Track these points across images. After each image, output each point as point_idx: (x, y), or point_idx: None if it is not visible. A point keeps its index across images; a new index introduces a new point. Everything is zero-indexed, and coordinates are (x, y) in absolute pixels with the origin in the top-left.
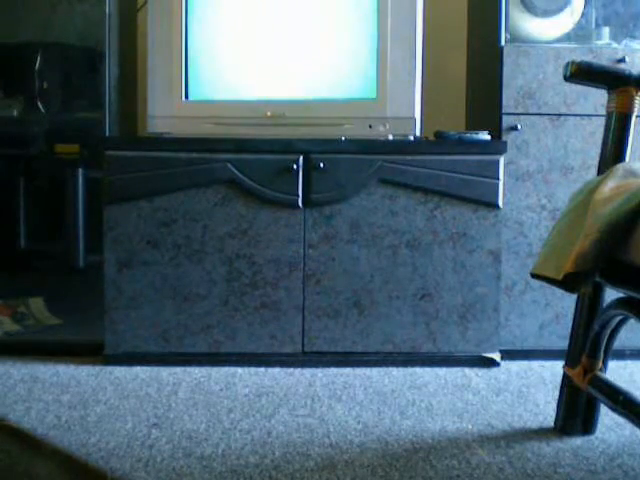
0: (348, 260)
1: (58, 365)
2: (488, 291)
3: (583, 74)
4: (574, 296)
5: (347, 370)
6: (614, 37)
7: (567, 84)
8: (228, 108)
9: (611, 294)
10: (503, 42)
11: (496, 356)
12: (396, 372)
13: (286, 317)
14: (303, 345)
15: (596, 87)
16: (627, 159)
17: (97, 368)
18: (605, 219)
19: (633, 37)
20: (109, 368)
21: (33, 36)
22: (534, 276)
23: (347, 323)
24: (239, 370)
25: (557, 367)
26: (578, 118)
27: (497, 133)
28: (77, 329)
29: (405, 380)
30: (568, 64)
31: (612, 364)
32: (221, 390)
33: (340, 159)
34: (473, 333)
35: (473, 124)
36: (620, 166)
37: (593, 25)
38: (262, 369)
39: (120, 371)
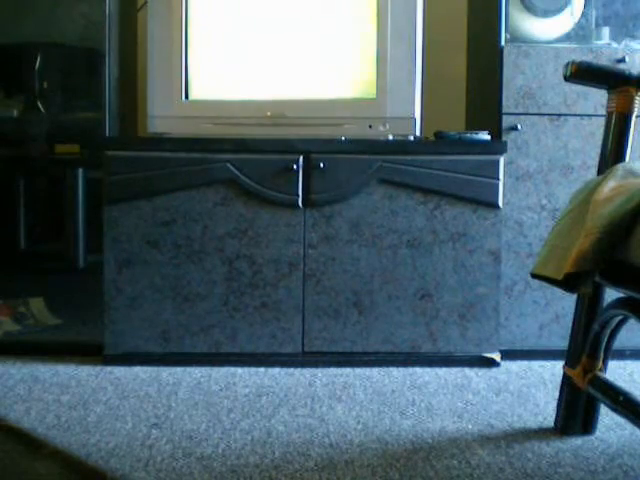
0: (348, 260)
1: (58, 365)
2: (488, 291)
3: (583, 74)
4: (574, 296)
5: (347, 370)
6: (614, 37)
7: (567, 84)
8: (228, 108)
9: (611, 294)
10: (503, 42)
11: (496, 356)
12: (396, 372)
13: (286, 317)
14: (303, 345)
15: (596, 87)
16: (627, 159)
17: (97, 368)
18: (605, 219)
19: (633, 37)
20: (109, 368)
21: (33, 36)
22: (534, 276)
23: (347, 323)
24: (239, 370)
25: (557, 367)
26: (578, 118)
27: (497, 133)
28: (77, 329)
29: (405, 380)
30: (568, 64)
31: (612, 364)
32: (221, 390)
33: (340, 159)
34: (473, 333)
35: (473, 124)
36: (620, 166)
37: (593, 25)
38: (262, 369)
39: (120, 371)
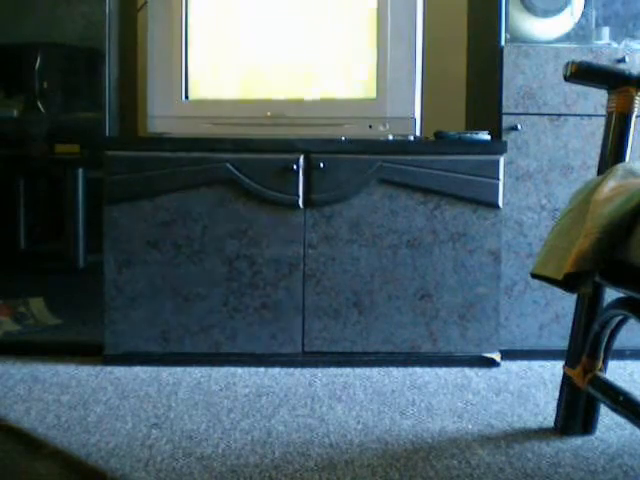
0: (348, 260)
1: (58, 365)
2: (488, 291)
3: (583, 74)
4: (574, 296)
5: (347, 370)
6: (614, 37)
7: (567, 84)
8: (228, 108)
9: (611, 294)
10: (503, 42)
11: (496, 356)
12: (396, 372)
13: (286, 317)
14: (303, 345)
15: (596, 87)
16: (627, 159)
17: (97, 368)
18: (605, 219)
19: (633, 37)
20: (109, 368)
21: (33, 36)
22: (534, 276)
23: (347, 323)
24: (239, 370)
25: (557, 367)
26: (578, 118)
27: (497, 133)
28: (77, 329)
29: (405, 380)
30: (568, 64)
31: (612, 364)
32: (221, 390)
33: (340, 159)
34: (473, 333)
35: (473, 124)
36: (620, 166)
37: (593, 25)
38: (262, 369)
39: (120, 371)
